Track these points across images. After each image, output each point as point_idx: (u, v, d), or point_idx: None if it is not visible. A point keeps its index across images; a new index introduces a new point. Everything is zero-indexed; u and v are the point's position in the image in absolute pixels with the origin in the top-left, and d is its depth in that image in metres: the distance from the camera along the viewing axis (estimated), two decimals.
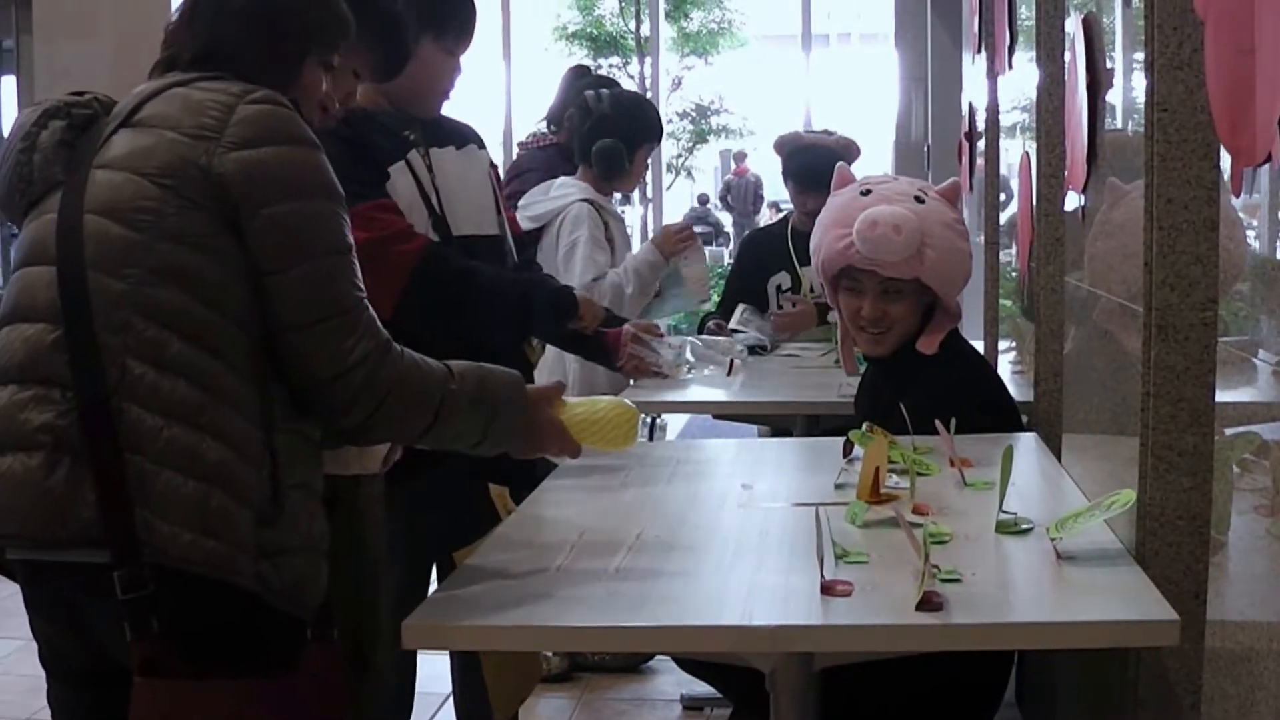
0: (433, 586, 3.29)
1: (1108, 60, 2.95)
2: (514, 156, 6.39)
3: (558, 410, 2.76)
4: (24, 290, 2.40)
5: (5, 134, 12.61)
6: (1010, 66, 4.62)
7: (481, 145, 3.94)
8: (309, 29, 2.64)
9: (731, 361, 5.09)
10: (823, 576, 2.40)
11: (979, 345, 5.10)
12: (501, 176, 4.29)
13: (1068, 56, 3.29)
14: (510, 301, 3.74)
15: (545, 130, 6.14)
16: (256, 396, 2.38)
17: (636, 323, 4.47)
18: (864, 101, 19.09)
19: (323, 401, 2.46)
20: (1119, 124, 2.91)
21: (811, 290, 5.80)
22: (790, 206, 6.21)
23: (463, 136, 3.86)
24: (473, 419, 2.59)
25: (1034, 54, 3.92)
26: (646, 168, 5.69)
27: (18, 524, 2.29)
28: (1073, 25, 3.15)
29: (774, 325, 5.75)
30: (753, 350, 5.47)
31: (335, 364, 2.42)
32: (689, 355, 4.69)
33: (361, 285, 2.48)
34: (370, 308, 2.48)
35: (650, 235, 13.50)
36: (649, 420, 2.98)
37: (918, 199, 3.69)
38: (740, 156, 26.95)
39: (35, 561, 2.35)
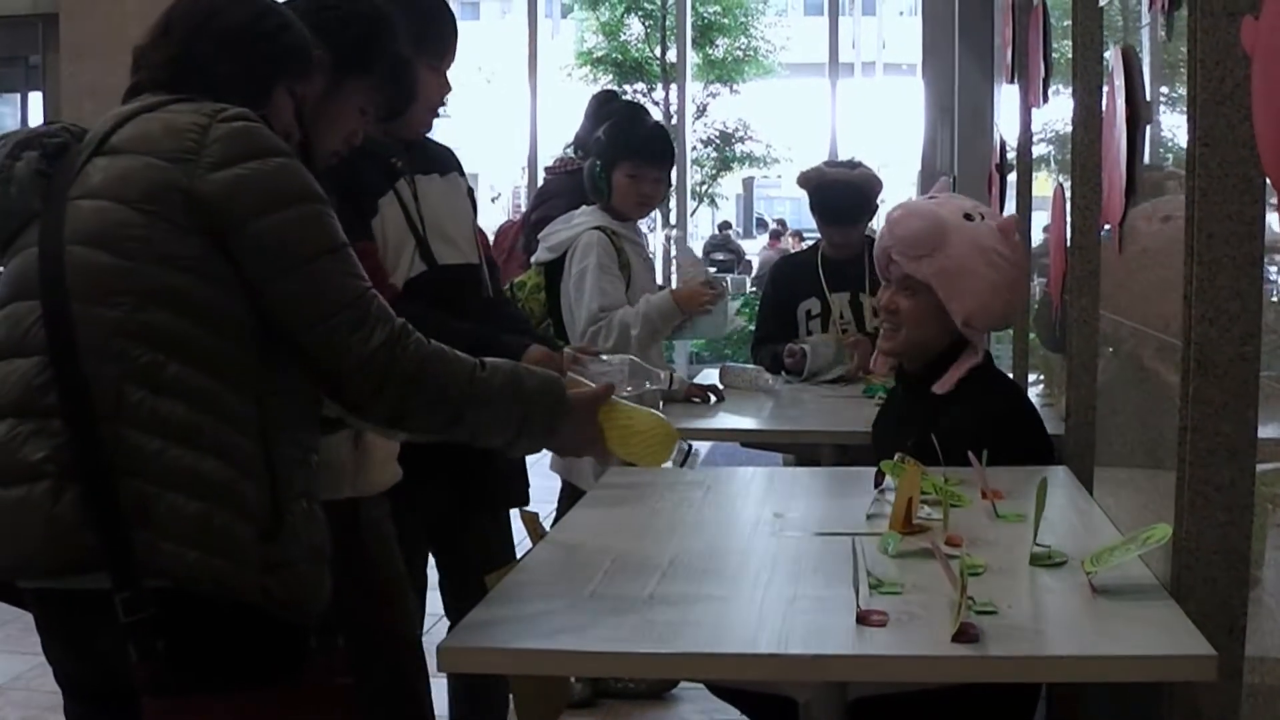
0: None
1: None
2: (539, 182, 6.37)
3: (604, 412, 2.79)
4: (12, 326, 2.42)
5: None
6: (1045, 99, 4.62)
7: (462, 172, 3.99)
8: (284, 54, 2.66)
9: (672, 374, 5.05)
10: (858, 606, 2.41)
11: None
12: (523, 202, 4.32)
13: (1105, 89, 3.29)
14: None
15: (572, 155, 6.15)
16: (255, 412, 2.40)
17: (577, 346, 4.43)
18: (890, 131, 19.12)
19: (349, 396, 2.48)
20: (1147, 158, 2.91)
21: (841, 316, 5.80)
22: (811, 235, 6.24)
23: (445, 164, 3.91)
24: (504, 412, 2.62)
25: (1070, 86, 3.92)
26: (666, 190, 5.59)
27: (27, 553, 2.32)
28: (1111, 57, 3.16)
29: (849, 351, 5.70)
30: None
31: (353, 355, 2.44)
32: (629, 371, 4.66)
33: (364, 275, 2.49)
34: (379, 296, 2.49)
35: (672, 262, 13.53)
36: (685, 448, 2.99)
37: (967, 216, 3.73)
38: (775, 235, 26.63)
39: (44, 589, 2.38)
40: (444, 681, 4.04)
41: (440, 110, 3.80)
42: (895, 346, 3.86)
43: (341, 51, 2.90)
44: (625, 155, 5.30)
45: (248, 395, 2.39)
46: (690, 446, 3.07)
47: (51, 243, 2.40)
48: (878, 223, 5.19)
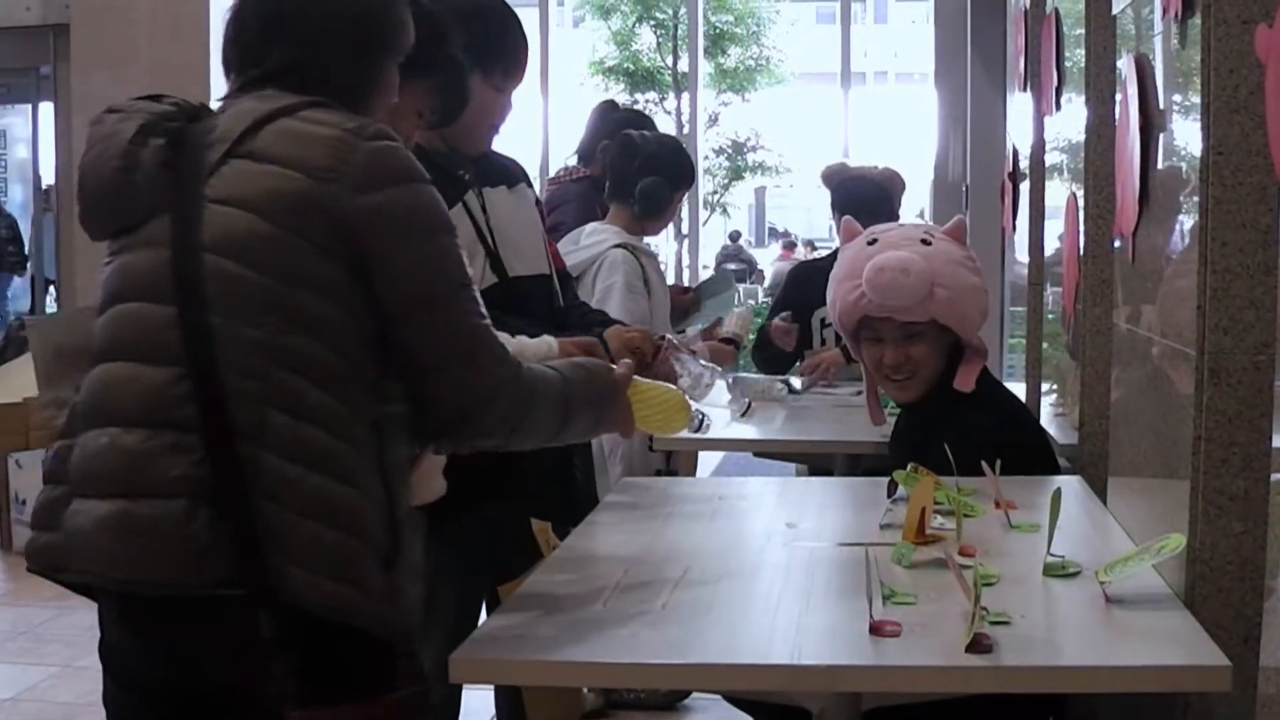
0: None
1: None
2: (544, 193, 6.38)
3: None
4: (136, 329, 2.38)
5: (38, 164, 12.69)
6: (1058, 107, 4.62)
7: (529, 184, 3.96)
8: (392, 35, 2.63)
9: (748, 404, 5.11)
10: (871, 617, 2.41)
11: (1020, 387, 5.10)
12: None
13: (1119, 97, 3.30)
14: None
15: (575, 164, 6.18)
16: (376, 440, 2.40)
17: (682, 338, 4.47)
18: (902, 140, 19.10)
19: (465, 432, 2.52)
20: (1159, 165, 2.91)
21: None
22: (824, 245, 6.23)
23: (512, 175, 3.88)
24: (588, 416, 2.70)
25: (1083, 94, 3.92)
26: (676, 213, 5.71)
27: (160, 570, 2.28)
28: (1125, 65, 3.16)
29: (801, 370, 5.76)
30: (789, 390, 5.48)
31: (477, 398, 2.48)
32: (708, 380, 4.68)
33: (484, 312, 2.51)
34: (495, 332, 2.52)
35: (684, 271, 13.53)
36: (699, 416, 3.04)
37: (924, 241, 3.76)
38: (790, 245, 26.58)
39: (167, 597, 2.33)
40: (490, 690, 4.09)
41: (499, 129, 3.79)
42: (916, 393, 3.87)
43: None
44: (689, 182, 5.59)
45: (371, 423, 2.40)
46: (702, 414, 3.12)
47: (187, 247, 2.36)
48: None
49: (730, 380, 5.34)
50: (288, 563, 2.26)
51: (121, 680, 2.49)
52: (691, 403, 3.05)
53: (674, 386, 3.03)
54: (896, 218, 5.76)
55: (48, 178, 12.71)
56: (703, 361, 4.09)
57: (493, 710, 4.10)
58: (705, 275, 12.80)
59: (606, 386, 2.78)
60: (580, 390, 2.67)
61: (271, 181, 2.37)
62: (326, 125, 2.42)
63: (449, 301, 2.45)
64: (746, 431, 4.98)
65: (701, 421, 3.14)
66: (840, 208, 5.91)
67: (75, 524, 2.34)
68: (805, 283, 6.15)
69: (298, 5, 2.55)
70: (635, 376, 2.90)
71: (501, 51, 3.66)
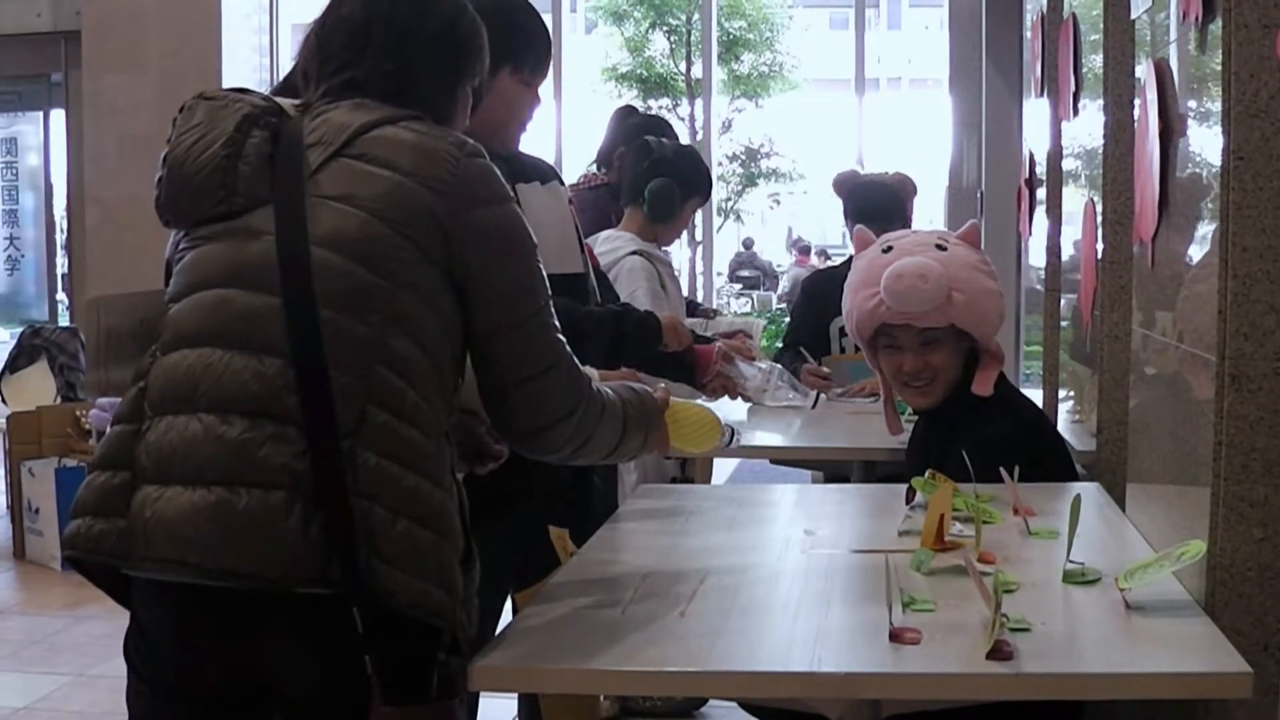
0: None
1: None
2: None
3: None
4: (234, 317, 2.38)
5: (49, 172, 12.69)
6: (1076, 112, 4.62)
7: (562, 182, 3.96)
8: (476, 57, 2.70)
9: (818, 394, 5.10)
10: (891, 624, 2.41)
11: (1037, 394, 5.10)
12: None
13: (1137, 102, 3.30)
14: (604, 332, 3.81)
15: (595, 171, 6.18)
16: (449, 447, 2.46)
17: (729, 342, 4.48)
18: (916, 146, 19.09)
19: (537, 444, 2.59)
20: (1179, 171, 2.92)
21: None
22: (838, 253, 6.22)
23: (544, 173, 3.87)
24: (638, 438, 2.76)
25: (1100, 100, 3.93)
26: (689, 223, 5.69)
27: (254, 563, 2.27)
28: (1144, 71, 3.16)
29: (806, 383, 5.70)
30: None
31: (552, 415, 2.54)
32: (778, 380, 4.67)
33: (560, 328, 2.56)
34: (570, 351, 2.57)
35: (698, 278, 13.54)
36: (729, 431, 3.05)
37: (939, 246, 3.76)
38: (804, 249, 26.49)
39: (230, 589, 2.31)
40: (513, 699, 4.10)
41: (528, 125, 3.79)
42: (936, 399, 3.87)
43: None
44: (703, 190, 5.56)
45: (445, 429, 2.46)
46: (733, 430, 3.14)
47: (295, 239, 2.37)
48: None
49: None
50: (382, 561, 2.28)
51: (157, 684, 2.46)
52: (722, 419, 3.06)
53: (707, 405, 3.05)
54: (910, 223, 5.77)
55: (59, 185, 12.71)
56: (757, 362, 4.08)
57: (508, 717, 4.12)
58: (719, 281, 12.79)
59: (653, 409, 2.83)
60: (634, 411, 2.74)
61: (386, 185, 2.40)
62: (433, 138, 2.46)
63: (536, 319, 2.51)
64: (762, 439, 4.97)
65: (732, 437, 3.15)
66: (853, 215, 5.90)
67: (155, 511, 2.31)
68: (821, 291, 6.14)
69: (389, 18, 2.58)
70: (671, 397, 2.94)
71: (529, 44, 3.65)
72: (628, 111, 6.53)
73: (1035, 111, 5.91)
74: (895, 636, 2.38)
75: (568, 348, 2.57)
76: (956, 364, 3.81)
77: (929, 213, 11.36)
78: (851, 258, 5.84)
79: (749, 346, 4.64)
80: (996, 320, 3.81)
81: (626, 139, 5.85)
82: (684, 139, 6.08)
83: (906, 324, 3.78)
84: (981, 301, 3.74)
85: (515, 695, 4.11)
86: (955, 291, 3.68)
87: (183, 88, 2.98)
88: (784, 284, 24.67)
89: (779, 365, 4.36)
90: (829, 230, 28.01)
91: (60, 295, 13.31)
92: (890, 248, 3.84)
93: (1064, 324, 5.08)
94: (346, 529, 2.26)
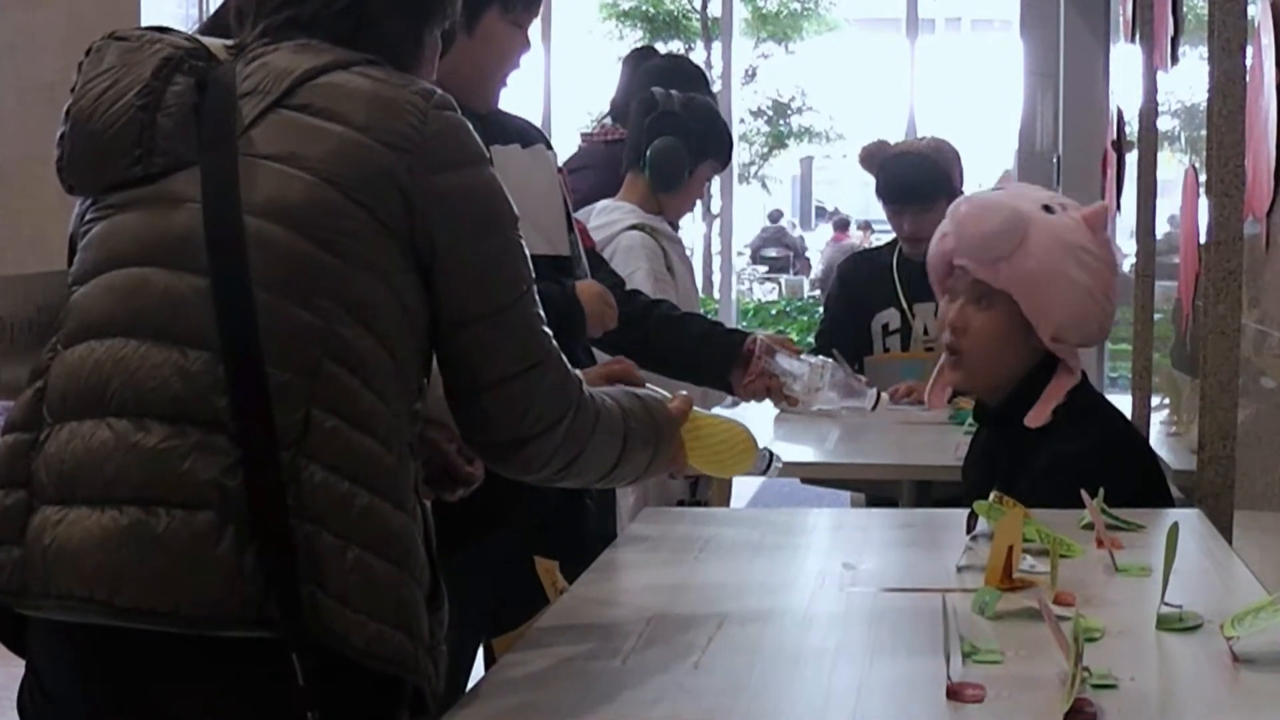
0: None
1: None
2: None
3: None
4: (150, 301, 2.34)
5: None
6: (1174, 61, 4.62)
7: (549, 145, 3.94)
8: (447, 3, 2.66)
9: (878, 393, 5.08)
10: (949, 678, 2.41)
11: (1125, 401, 5.10)
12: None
13: (1249, 49, 3.30)
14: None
15: (611, 123, 6.14)
16: (414, 460, 2.44)
17: (771, 335, 4.45)
18: (979, 102, 19.16)
19: (516, 459, 2.55)
20: None
21: (925, 333, 5.72)
22: (881, 227, 6.20)
23: (528, 135, 3.86)
24: (643, 457, 2.72)
25: (1204, 46, 3.92)
26: (702, 193, 5.66)
27: (176, 600, 2.24)
28: (1258, 11, 3.16)
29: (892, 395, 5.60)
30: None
31: (534, 424, 2.50)
32: (829, 377, 4.62)
33: (544, 316, 2.53)
34: (558, 347, 2.55)
35: (714, 259, 13.53)
36: (767, 455, 3.02)
37: (1046, 208, 3.72)
38: (842, 224, 26.46)
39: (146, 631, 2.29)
40: None
41: (510, 76, 3.76)
42: (965, 376, 3.84)
43: None
44: (719, 153, 5.52)
45: (408, 439, 2.43)
46: (771, 453, 3.09)
47: (225, 207, 2.33)
48: None
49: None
50: (329, 597, 2.25)
51: None
52: (759, 440, 3.05)
53: (739, 423, 3.03)
54: (958, 193, 5.70)
55: None
56: (805, 357, 4.05)
57: None
58: (740, 263, 12.80)
59: (665, 423, 2.79)
60: (638, 424, 2.70)
61: (336, 142, 2.36)
62: (394, 86, 2.43)
63: (516, 307, 2.47)
64: (791, 454, 4.94)
65: (770, 462, 3.10)
66: (886, 194, 5.86)
67: (56, 537, 2.28)
68: (860, 279, 6.09)
69: None
70: (695, 408, 2.91)
71: None
72: (644, 53, 6.50)
73: (1124, 59, 5.92)
74: (954, 693, 2.37)
75: (555, 343, 2.53)
76: (1004, 344, 3.76)
77: (992, 183, 11.38)
78: (895, 241, 5.83)
79: (791, 341, 4.60)
80: (1067, 315, 3.73)
81: (641, 86, 5.77)
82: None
83: (963, 267, 3.75)
84: (1054, 282, 3.68)
85: None
86: (1025, 254, 3.64)
87: (96, 26, 2.96)
88: (817, 267, 24.70)
89: (831, 360, 4.31)
90: (871, 202, 28.04)
91: None
92: (999, 188, 3.88)
93: (1158, 317, 5.08)
94: (286, 558, 2.24)
